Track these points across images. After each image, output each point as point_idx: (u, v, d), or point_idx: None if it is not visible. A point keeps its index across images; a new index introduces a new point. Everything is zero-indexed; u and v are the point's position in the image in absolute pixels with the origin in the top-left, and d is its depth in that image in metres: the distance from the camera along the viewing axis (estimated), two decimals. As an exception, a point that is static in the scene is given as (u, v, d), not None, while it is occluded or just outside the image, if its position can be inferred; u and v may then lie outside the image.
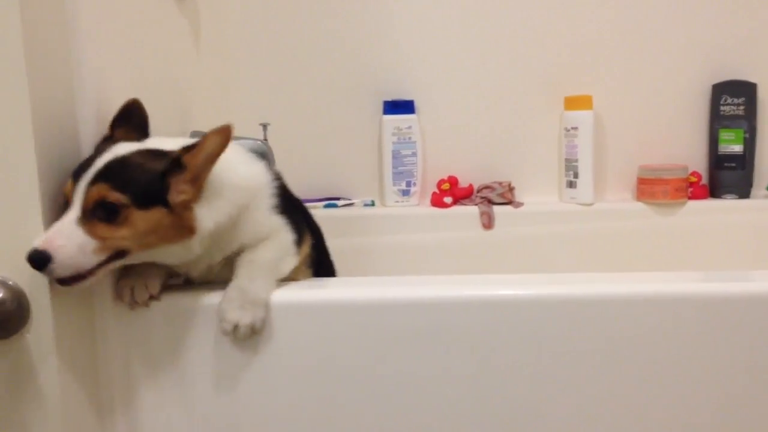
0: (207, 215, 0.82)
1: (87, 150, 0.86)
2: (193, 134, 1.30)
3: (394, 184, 1.66)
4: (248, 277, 0.87)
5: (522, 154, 1.70)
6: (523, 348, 0.90)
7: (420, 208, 1.68)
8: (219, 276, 0.92)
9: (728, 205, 1.63)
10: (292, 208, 0.97)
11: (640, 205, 1.64)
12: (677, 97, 1.66)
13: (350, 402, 0.91)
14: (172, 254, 0.83)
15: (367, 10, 1.65)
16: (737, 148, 1.63)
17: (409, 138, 1.65)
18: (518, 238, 1.63)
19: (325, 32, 1.66)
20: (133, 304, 0.88)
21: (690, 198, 1.64)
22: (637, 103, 1.67)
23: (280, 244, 0.92)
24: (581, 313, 0.89)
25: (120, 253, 0.78)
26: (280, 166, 1.41)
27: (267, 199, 0.91)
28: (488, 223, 1.62)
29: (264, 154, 1.31)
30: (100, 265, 0.77)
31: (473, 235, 1.63)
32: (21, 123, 0.77)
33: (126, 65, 1.01)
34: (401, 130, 1.64)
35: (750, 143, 1.62)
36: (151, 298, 0.88)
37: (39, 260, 0.72)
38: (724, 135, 1.63)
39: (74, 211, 0.75)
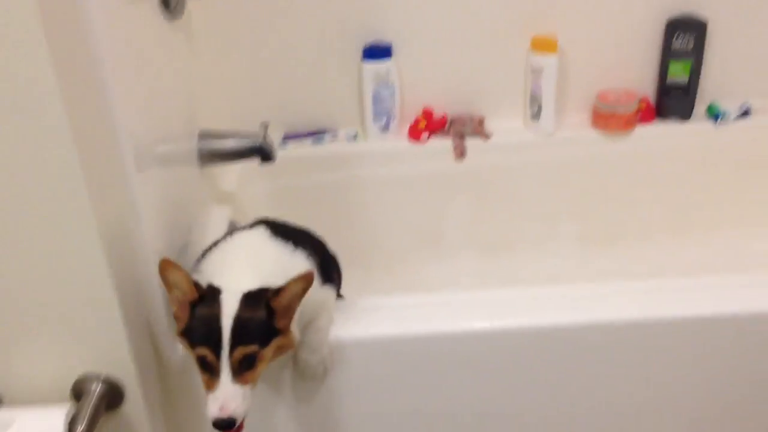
0: (295, 328, 1.02)
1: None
2: (202, 134, 1.44)
3: (375, 122, 1.83)
4: (318, 342, 1.11)
5: (491, 85, 1.85)
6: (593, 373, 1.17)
7: (399, 142, 1.85)
8: None
9: (672, 128, 1.84)
10: (322, 258, 1.16)
11: (594, 133, 1.84)
12: (634, 31, 1.80)
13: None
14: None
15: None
16: (684, 78, 1.80)
17: (388, 81, 1.78)
18: (488, 167, 1.84)
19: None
20: None
21: (639, 120, 1.84)
22: (598, 36, 1.80)
23: (330, 306, 1.15)
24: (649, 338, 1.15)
25: None
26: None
27: (316, 281, 1.05)
28: (460, 155, 1.82)
29: (268, 151, 1.47)
30: None
31: (448, 166, 1.84)
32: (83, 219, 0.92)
33: (142, 86, 1.12)
34: (380, 75, 1.77)
35: (695, 74, 1.80)
36: None
37: (227, 425, 0.91)
38: (674, 66, 1.80)
39: (227, 374, 0.92)
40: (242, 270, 1.02)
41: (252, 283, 0.98)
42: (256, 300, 0.96)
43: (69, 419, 0.97)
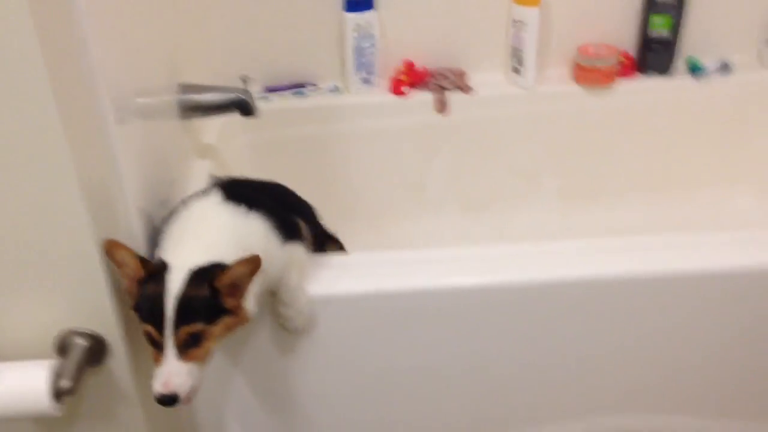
0: (251, 301, 1.01)
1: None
2: (182, 87, 1.43)
3: (356, 74, 1.81)
4: (292, 297, 1.12)
5: (473, 37, 1.84)
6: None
7: (380, 95, 1.84)
8: None
9: (653, 83, 1.85)
10: (284, 214, 1.14)
11: (575, 87, 1.84)
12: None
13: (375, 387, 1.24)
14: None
15: None
16: (665, 32, 1.80)
17: (370, 33, 1.76)
18: (470, 121, 1.84)
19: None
20: None
21: (620, 74, 1.84)
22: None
23: (299, 260, 1.14)
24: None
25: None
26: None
27: (273, 239, 1.08)
28: (442, 108, 1.82)
29: (248, 105, 1.46)
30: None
31: (429, 120, 1.83)
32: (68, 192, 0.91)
33: (122, 37, 1.10)
34: (362, 26, 1.75)
35: (676, 28, 1.80)
36: None
37: (169, 401, 0.92)
38: (655, 20, 1.80)
39: (171, 351, 0.93)
40: (191, 245, 1.01)
41: (201, 258, 0.97)
42: (202, 278, 0.95)
43: (54, 373, 0.97)
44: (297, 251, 1.15)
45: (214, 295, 0.95)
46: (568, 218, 1.90)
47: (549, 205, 1.92)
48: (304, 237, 1.19)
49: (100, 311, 1.02)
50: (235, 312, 0.98)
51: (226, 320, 0.97)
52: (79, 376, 0.99)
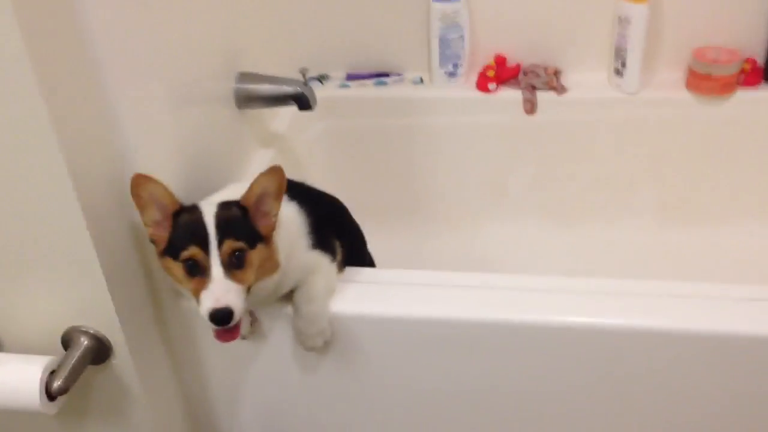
0: (281, 249, 0.99)
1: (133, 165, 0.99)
2: (241, 76, 1.38)
3: (441, 67, 1.70)
4: (313, 313, 1.07)
5: (573, 33, 1.68)
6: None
7: (465, 90, 1.72)
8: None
9: (778, 95, 1.62)
10: (320, 225, 1.10)
11: (686, 95, 1.64)
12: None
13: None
14: (256, 293, 0.99)
15: None
16: (799, 37, 1.57)
17: (457, 23, 1.65)
18: (560, 123, 1.69)
19: None
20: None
21: (743, 83, 1.62)
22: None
23: (325, 272, 1.09)
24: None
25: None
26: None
27: (303, 240, 1.06)
28: (531, 109, 1.68)
29: (306, 99, 1.39)
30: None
31: (517, 120, 1.70)
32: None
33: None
34: (448, 16, 1.64)
35: (814, 34, 1.56)
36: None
37: (225, 316, 0.88)
38: (788, 23, 1.56)
39: (218, 270, 0.90)
40: (219, 196, 1.02)
41: (225, 198, 0.99)
42: (230, 204, 0.96)
43: (49, 370, 0.97)
44: (324, 264, 1.09)
45: (245, 216, 0.95)
46: (663, 238, 1.72)
47: (642, 222, 1.74)
48: (336, 258, 1.13)
49: (101, 311, 1.00)
50: (268, 239, 0.96)
51: (262, 248, 0.95)
52: (75, 375, 0.98)
